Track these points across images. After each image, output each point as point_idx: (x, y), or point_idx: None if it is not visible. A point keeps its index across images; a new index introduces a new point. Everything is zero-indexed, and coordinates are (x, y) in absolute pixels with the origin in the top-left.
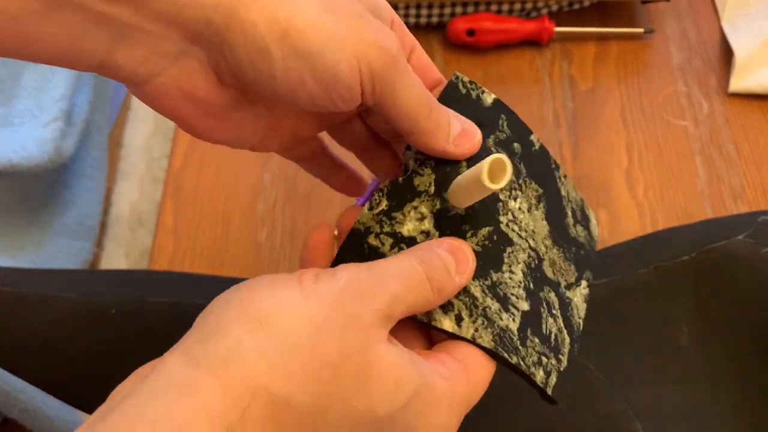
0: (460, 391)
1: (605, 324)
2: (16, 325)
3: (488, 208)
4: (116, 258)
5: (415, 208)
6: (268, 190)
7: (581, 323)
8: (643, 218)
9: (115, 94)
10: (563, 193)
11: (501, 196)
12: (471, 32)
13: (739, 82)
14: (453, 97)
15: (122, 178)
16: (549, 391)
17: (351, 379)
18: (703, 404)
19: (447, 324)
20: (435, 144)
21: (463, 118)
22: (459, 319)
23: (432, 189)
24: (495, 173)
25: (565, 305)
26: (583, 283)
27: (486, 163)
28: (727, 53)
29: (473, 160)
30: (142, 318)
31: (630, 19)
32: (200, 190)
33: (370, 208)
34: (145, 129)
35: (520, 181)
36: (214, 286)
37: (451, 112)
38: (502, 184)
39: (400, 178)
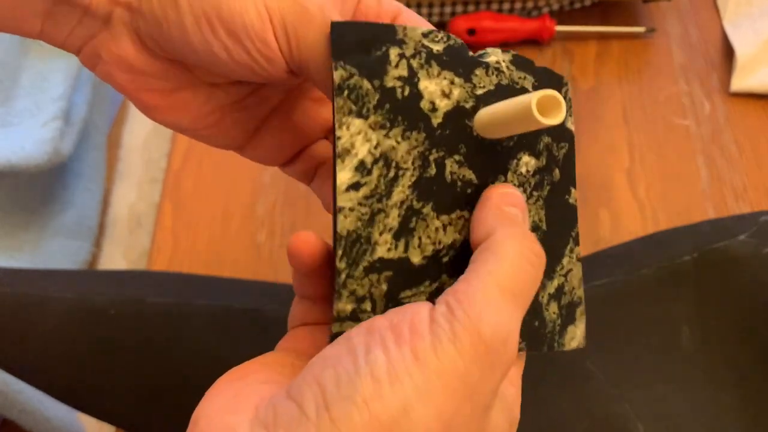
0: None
1: (606, 324)
2: (15, 325)
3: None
4: (115, 259)
5: None
6: (267, 191)
7: None
8: (644, 218)
9: (114, 94)
10: None
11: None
12: (472, 31)
13: (740, 82)
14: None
15: (120, 178)
16: None
17: None
18: (704, 405)
19: None
20: None
21: None
22: None
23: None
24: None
25: None
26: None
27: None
28: (728, 52)
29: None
30: (141, 318)
31: (631, 19)
32: (199, 190)
33: None
34: (143, 129)
35: None
36: (213, 286)
37: None
38: (557, 119)
39: None
